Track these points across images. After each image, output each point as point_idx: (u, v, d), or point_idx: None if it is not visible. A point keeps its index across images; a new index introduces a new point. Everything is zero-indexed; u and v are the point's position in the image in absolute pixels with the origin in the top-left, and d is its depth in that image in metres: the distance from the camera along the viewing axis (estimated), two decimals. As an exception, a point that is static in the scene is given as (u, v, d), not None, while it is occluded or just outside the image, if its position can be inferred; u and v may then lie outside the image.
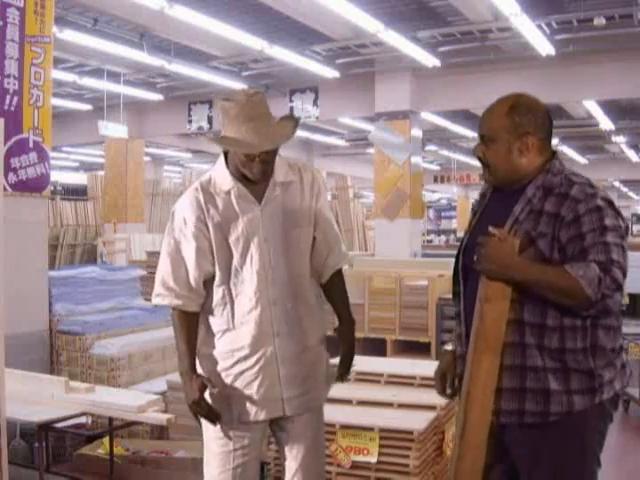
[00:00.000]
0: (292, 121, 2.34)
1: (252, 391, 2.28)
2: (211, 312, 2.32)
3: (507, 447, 2.01)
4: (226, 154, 2.34)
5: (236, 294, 2.28)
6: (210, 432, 2.34)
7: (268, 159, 2.23)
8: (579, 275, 1.80)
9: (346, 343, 2.46)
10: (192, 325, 2.31)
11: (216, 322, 2.32)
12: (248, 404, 2.28)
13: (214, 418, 2.25)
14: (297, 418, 2.36)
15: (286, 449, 2.40)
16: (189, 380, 2.25)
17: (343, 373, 2.46)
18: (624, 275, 1.85)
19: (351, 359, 2.47)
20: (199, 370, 2.31)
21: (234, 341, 2.29)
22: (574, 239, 1.87)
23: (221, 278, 2.29)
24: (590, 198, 1.90)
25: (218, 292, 2.30)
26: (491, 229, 1.91)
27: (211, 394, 2.27)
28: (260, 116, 2.21)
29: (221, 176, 2.31)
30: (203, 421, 2.32)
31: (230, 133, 2.21)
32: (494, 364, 1.91)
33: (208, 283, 2.31)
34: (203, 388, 2.23)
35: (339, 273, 2.48)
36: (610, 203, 1.92)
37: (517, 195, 2.00)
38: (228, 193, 2.28)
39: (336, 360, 2.49)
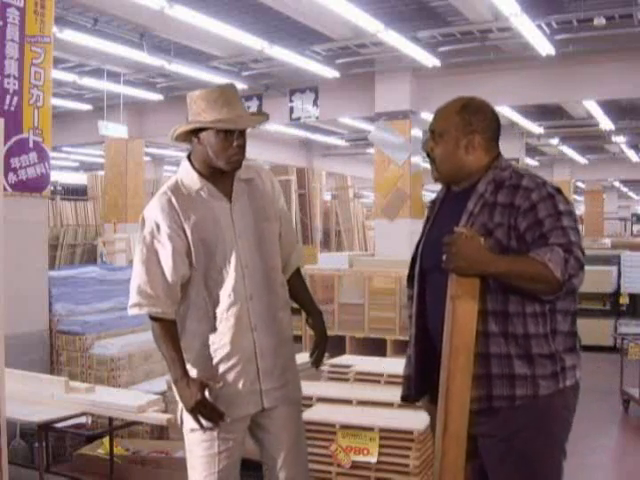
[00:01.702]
0: (262, 115, 2.48)
1: (237, 387, 2.29)
2: (189, 316, 2.31)
3: (476, 442, 2.03)
4: (189, 157, 2.38)
5: (215, 293, 2.29)
6: (194, 436, 2.31)
7: (244, 144, 2.29)
8: (547, 259, 1.87)
9: (319, 332, 2.52)
10: (175, 332, 2.30)
11: (195, 325, 2.31)
12: (235, 401, 2.28)
13: (217, 417, 2.23)
14: (276, 415, 2.36)
15: (268, 448, 2.39)
16: (186, 385, 2.22)
17: (318, 359, 2.50)
18: (584, 255, 1.93)
19: (325, 345, 2.52)
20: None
21: (215, 340, 2.29)
22: (533, 226, 1.95)
23: (197, 279, 2.29)
24: (542, 186, 1.99)
25: (195, 294, 2.30)
26: (456, 228, 1.96)
27: (210, 394, 2.25)
28: (237, 102, 2.31)
29: (188, 177, 2.34)
30: (186, 425, 2.31)
31: (209, 117, 2.25)
32: (469, 359, 1.94)
33: (182, 287, 2.30)
34: (203, 388, 2.21)
35: (299, 271, 2.58)
36: (559, 191, 2.02)
37: (469, 193, 2.07)
38: (198, 192, 2.31)
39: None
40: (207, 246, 2.28)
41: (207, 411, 2.22)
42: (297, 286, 2.55)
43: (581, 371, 2.06)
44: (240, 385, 2.29)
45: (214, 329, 2.29)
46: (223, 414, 2.23)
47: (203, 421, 2.24)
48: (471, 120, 2.09)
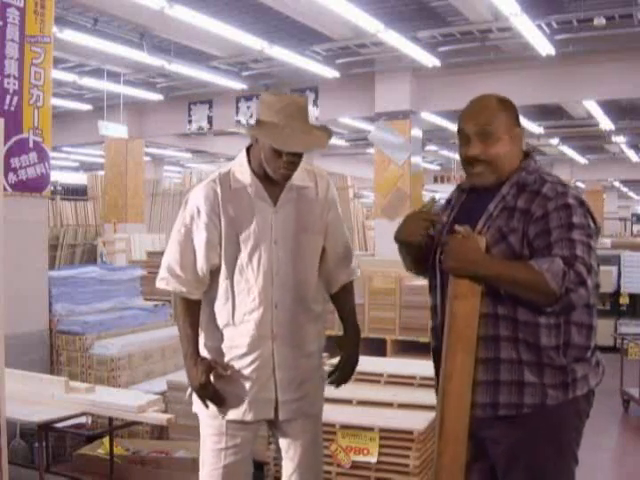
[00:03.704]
0: (327, 133, 2.33)
1: (244, 391, 2.28)
2: (214, 304, 2.33)
3: (485, 444, 2.02)
4: (248, 150, 2.34)
5: (238, 291, 2.28)
6: (207, 429, 2.34)
7: (295, 161, 2.23)
8: (544, 269, 1.82)
9: (347, 351, 2.44)
10: (195, 312, 2.32)
11: (217, 315, 2.32)
12: (238, 403, 2.28)
13: (219, 402, 2.25)
14: (294, 420, 2.35)
15: (283, 450, 2.40)
16: (194, 364, 2.25)
17: (339, 380, 2.44)
18: (589, 272, 1.85)
19: (351, 368, 2.45)
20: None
21: (232, 338, 2.29)
22: (541, 234, 1.90)
23: (226, 272, 2.29)
24: (560, 196, 1.93)
25: (222, 285, 2.30)
26: (456, 227, 1.93)
27: (215, 379, 2.27)
28: (301, 118, 2.22)
29: (241, 171, 2.31)
30: (203, 417, 2.34)
31: (266, 121, 2.21)
32: (468, 359, 1.92)
33: (214, 273, 2.31)
34: (209, 370, 2.23)
35: (347, 286, 2.50)
36: (581, 202, 1.95)
37: (493, 193, 2.03)
38: (246, 189, 2.28)
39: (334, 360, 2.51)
40: (238, 244, 2.26)
41: (208, 394, 2.24)
42: (341, 301, 2.49)
43: (600, 376, 2.01)
44: (250, 389, 2.28)
45: (232, 325, 2.29)
46: (224, 400, 2.25)
47: (203, 416, 2.29)
48: (511, 115, 2.06)
